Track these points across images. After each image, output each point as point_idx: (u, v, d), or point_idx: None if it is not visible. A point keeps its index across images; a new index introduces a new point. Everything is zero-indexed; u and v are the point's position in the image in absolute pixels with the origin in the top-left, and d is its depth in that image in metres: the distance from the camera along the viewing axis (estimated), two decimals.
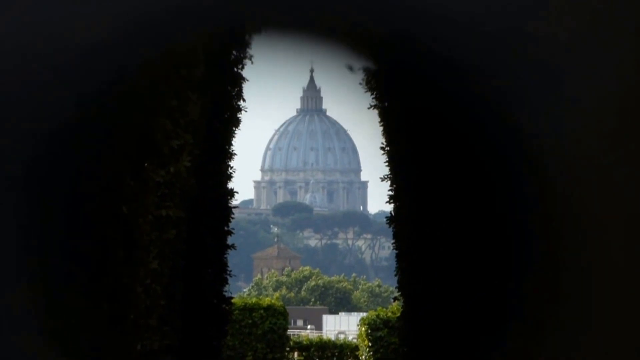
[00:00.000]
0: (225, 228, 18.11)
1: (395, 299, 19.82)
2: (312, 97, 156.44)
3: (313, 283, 71.48)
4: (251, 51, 19.86)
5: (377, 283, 76.22)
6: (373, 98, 22.27)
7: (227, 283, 18.42)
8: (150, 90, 13.01)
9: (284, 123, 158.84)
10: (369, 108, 22.76)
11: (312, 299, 67.11)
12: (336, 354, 23.12)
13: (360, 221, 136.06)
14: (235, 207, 18.69)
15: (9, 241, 6.68)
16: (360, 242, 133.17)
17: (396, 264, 18.52)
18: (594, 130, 8.54)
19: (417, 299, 16.58)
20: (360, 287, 72.21)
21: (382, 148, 23.22)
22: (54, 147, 7.68)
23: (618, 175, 10.00)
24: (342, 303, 64.20)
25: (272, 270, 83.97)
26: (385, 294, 68.40)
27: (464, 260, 13.17)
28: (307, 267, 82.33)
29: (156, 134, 14.56)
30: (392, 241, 18.96)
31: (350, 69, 14.03)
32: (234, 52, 18.78)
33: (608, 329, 9.36)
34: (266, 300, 25.66)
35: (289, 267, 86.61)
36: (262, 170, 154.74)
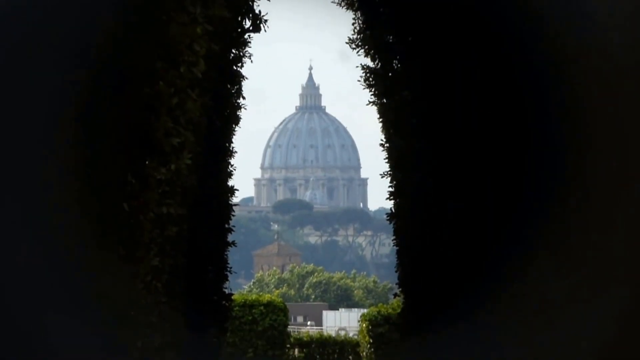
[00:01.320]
0: (226, 225, 18.14)
1: (395, 295, 19.81)
2: (311, 95, 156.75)
3: (315, 280, 71.58)
4: (250, 50, 20.01)
5: (372, 279, 76.18)
6: (372, 95, 22.34)
7: (228, 280, 18.48)
8: (151, 88, 13.05)
9: (283, 121, 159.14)
10: (367, 104, 22.85)
11: (313, 296, 67.15)
12: (337, 350, 23.14)
13: (361, 218, 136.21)
14: (235, 205, 18.75)
15: (13, 237, 6.69)
16: (360, 239, 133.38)
17: (397, 261, 18.54)
18: None
19: (418, 295, 16.58)
20: (356, 283, 72.27)
21: (381, 144, 23.25)
22: (55, 145, 7.68)
23: None
24: (342, 299, 64.23)
25: (274, 268, 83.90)
26: (380, 290, 68.32)
27: (466, 257, 13.22)
28: (311, 265, 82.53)
29: (157, 132, 14.64)
30: (393, 238, 19.00)
31: None
32: (233, 51, 18.90)
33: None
34: (266, 297, 25.72)
35: (293, 264, 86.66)
36: (262, 167, 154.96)
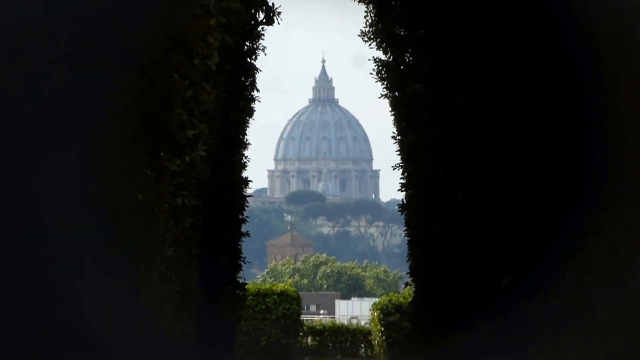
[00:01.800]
0: (240, 216, 18.15)
1: (407, 284, 19.87)
2: (324, 88, 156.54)
3: (327, 269, 71.61)
4: (264, 42, 20.01)
5: (383, 269, 76.17)
6: (384, 88, 22.34)
7: (242, 270, 18.48)
8: (165, 81, 13.06)
9: (297, 113, 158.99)
10: (379, 97, 22.78)
11: (326, 285, 67.17)
12: (349, 338, 23.14)
13: (372, 209, 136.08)
14: (249, 196, 18.76)
15: (41, 226, 6.71)
16: (372, 230, 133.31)
17: (408, 251, 18.55)
18: None
19: (429, 285, 16.58)
20: (368, 272, 72.24)
21: (393, 137, 23.27)
22: (73, 137, 7.71)
23: None
24: (354, 289, 64.24)
25: (287, 258, 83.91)
26: (391, 279, 68.28)
27: (476, 247, 13.21)
28: (324, 255, 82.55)
29: (171, 124, 14.67)
30: (404, 228, 19.01)
31: None
32: (247, 43, 18.85)
33: None
34: (279, 286, 25.70)
35: (306, 254, 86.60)
36: (276, 159, 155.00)
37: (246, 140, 19.47)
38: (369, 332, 23.21)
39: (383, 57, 23.02)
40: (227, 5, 16.44)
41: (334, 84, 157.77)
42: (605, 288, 7.88)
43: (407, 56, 22.86)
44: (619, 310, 7.30)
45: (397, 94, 22.40)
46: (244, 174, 19.04)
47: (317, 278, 68.86)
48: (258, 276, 66.06)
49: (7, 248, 6.54)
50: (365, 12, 22.90)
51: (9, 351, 5.79)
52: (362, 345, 22.83)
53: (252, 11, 18.99)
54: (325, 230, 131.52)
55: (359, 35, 22.20)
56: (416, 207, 18.67)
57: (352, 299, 49.97)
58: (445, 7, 17.62)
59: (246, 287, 19.64)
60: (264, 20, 19.00)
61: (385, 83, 22.94)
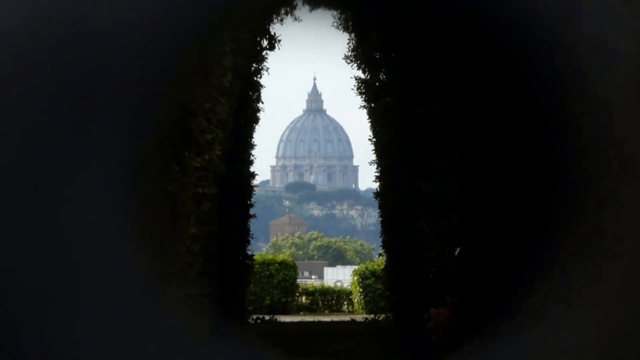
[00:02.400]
0: (248, 202, 18.21)
1: (380, 254, 19.95)
2: (314, 100, 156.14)
3: (318, 243, 71.50)
4: (267, 64, 20.11)
5: (360, 243, 76.10)
6: (362, 100, 22.55)
7: (250, 244, 18.60)
8: (189, 95, 12.98)
9: (293, 120, 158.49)
10: (359, 108, 23.04)
11: (316, 256, 67.02)
12: (335, 297, 23.10)
13: (353, 196, 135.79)
14: (255, 186, 18.80)
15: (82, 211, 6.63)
16: (352, 212, 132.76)
17: (381, 228, 18.58)
18: None
19: (397, 255, 16.72)
20: (349, 246, 72.35)
21: (369, 139, 23.49)
22: (117, 139, 7.62)
23: None
24: (338, 258, 64.10)
25: (286, 234, 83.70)
26: (367, 251, 68.18)
27: (436, 225, 13.40)
28: (315, 232, 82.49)
29: (194, 130, 14.68)
30: (378, 211, 19.11)
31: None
32: (254, 65, 19.00)
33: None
34: (280, 257, 25.68)
35: (300, 232, 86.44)
36: (277, 157, 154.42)
37: (253, 142, 19.77)
38: (350, 293, 23.14)
39: (362, 76, 23.12)
40: (238, 35, 16.36)
41: (322, 97, 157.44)
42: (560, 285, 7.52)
43: (381, 75, 23.02)
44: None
45: (373, 105, 22.51)
46: (251, 169, 19.28)
47: (310, 250, 68.61)
48: (263, 249, 65.71)
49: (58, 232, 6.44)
50: (348, 39, 23.10)
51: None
52: (345, 303, 22.76)
53: (258, 39, 19.01)
54: (316, 212, 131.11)
55: (342, 59, 22.40)
56: (387, 195, 18.81)
57: (337, 266, 49.78)
58: (411, 38, 17.73)
59: (253, 257, 19.74)
60: (267, 47, 19.05)
61: (363, 96, 23.13)
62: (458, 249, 12.25)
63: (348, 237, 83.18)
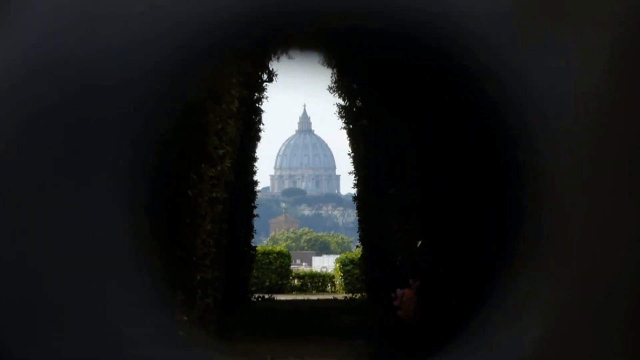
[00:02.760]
0: (252, 204, 18.34)
1: (357, 246, 20.10)
2: (305, 122, 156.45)
3: (307, 237, 71.47)
4: (266, 93, 20.35)
5: (341, 237, 76.08)
6: (343, 122, 22.65)
7: (253, 237, 18.72)
8: (204, 118, 13.15)
9: (288, 139, 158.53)
10: (340, 129, 23.17)
11: (306, 247, 66.94)
12: (321, 280, 23.13)
13: (336, 199, 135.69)
14: (257, 191, 18.96)
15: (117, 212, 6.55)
16: (335, 212, 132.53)
17: (358, 225, 18.68)
18: None
19: (371, 247, 16.78)
20: (332, 239, 72.52)
21: (349, 154, 23.57)
22: (147, 154, 7.53)
23: None
24: (324, 249, 64.04)
25: (282, 230, 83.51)
26: (347, 244, 68.18)
27: (403, 222, 13.41)
28: (305, 228, 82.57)
29: (209, 146, 14.77)
30: (356, 211, 19.25)
31: None
32: (256, 94, 19.24)
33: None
34: (277, 248, 25.80)
35: (294, 228, 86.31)
36: (275, 168, 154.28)
37: (255, 156, 20.25)
38: (333, 276, 23.13)
39: (342, 103, 23.31)
40: (243, 70, 16.45)
41: (311, 120, 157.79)
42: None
43: (357, 102, 23.10)
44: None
45: (351, 126, 22.64)
46: (255, 178, 19.60)
47: (301, 243, 68.52)
48: (264, 242, 65.42)
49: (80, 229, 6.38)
50: (332, 74, 23.18)
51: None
52: (329, 284, 22.76)
53: (259, 73, 19.13)
54: (306, 212, 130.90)
55: (327, 89, 22.73)
56: (364, 198, 18.98)
57: (322, 255, 49.59)
58: (382, 73, 17.56)
59: (256, 248, 19.87)
60: (267, 79, 19.30)
61: (344, 119, 23.29)
62: (420, 242, 12.36)
63: (332, 232, 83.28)
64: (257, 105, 20.07)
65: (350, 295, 17.75)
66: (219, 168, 15.91)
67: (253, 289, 17.21)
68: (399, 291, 3.61)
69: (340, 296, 19.48)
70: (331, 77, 22.66)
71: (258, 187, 19.13)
